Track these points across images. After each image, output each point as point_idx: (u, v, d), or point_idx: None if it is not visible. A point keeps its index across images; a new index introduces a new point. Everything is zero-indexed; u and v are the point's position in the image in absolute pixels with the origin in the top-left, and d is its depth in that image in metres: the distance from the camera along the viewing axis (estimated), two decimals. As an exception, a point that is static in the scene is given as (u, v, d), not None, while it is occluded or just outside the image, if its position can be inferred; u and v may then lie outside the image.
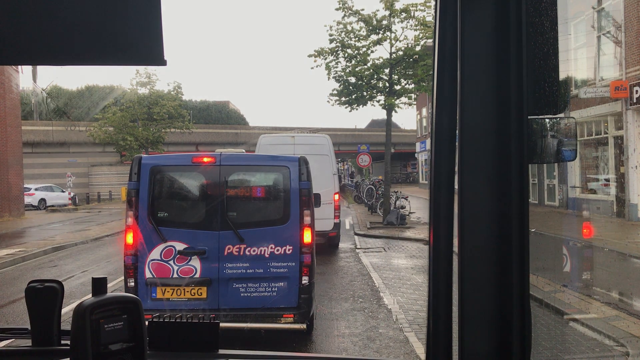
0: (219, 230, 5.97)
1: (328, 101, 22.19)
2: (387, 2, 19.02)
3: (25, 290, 1.56)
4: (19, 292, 9.21)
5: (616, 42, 16.78)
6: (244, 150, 7.59)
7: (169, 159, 6.94)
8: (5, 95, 24.43)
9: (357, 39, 19.85)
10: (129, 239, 5.92)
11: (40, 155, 37.59)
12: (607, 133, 17.64)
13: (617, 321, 6.52)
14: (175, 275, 5.90)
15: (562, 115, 1.08)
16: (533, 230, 1.09)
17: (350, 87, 20.58)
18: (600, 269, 9.22)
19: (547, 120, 1.07)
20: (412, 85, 20.52)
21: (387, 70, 20.17)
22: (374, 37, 19.76)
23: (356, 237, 17.01)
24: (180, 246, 5.93)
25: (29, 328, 1.58)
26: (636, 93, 15.53)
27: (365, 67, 20.02)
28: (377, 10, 19.47)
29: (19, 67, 22.89)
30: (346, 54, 20.03)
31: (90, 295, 1.28)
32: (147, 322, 1.44)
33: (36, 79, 39.78)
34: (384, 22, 19.44)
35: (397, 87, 20.58)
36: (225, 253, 5.94)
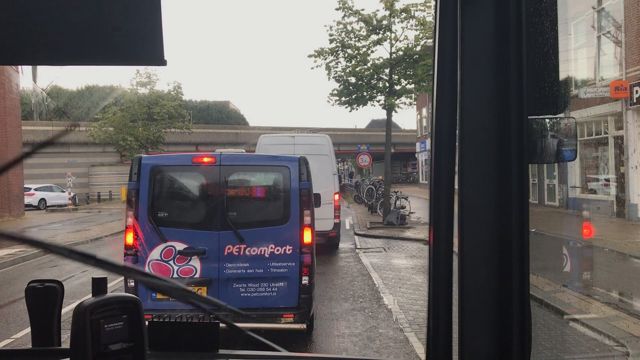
0: (219, 230, 5.97)
1: (328, 101, 22.17)
2: (387, 2, 19.02)
3: (25, 290, 1.56)
4: (19, 292, 9.21)
5: (616, 42, 16.78)
6: (244, 150, 7.59)
7: (169, 159, 6.94)
8: (5, 95, 24.43)
9: (357, 39, 19.85)
10: (129, 239, 5.92)
11: (40, 155, 37.58)
12: (607, 133, 17.64)
13: (617, 321, 6.52)
14: (175, 276, 5.90)
15: (562, 115, 1.08)
16: (533, 230, 1.09)
17: (350, 87, 20.58)
18: (600, 269, 9.22)
19: (547, 120, 1.07)
20: (412, 85, 20.52)
21: (387, 70, 20.17)
22: (374, 37, 19.77)
23: (356, 237, 17.01)
24: (180, 246, 5.93)
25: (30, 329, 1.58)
26: (636, 93, 15.52)
27: (365, 67, 20.02)
28: (377, 10, 19.48)
29: (19, 67, 22.89)
30: (346, 54, 20.03)
31: (90, 295, 1.28)
32: (147, 322, 1.44)
33: (36, 79, 39.80)
34: (384, 22, 19.44)
35: (397, 87, 20.58)
36: (225, 253, 5.94)
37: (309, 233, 6.05)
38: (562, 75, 1.05)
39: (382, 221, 19.56)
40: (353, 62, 20.03)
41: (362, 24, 19.63)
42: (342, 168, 46.03)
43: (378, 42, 19.75)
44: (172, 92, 33.27)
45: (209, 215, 6.06)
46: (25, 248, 14.57)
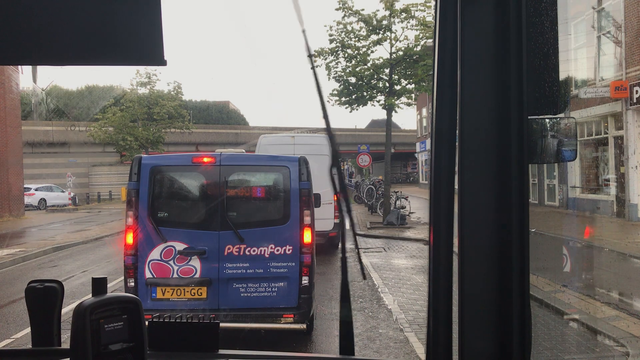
0: (219, 231, 5.97)
1: (328, 101, 22.15)
2: (387, 2, 19.01)
3: (25, 290, 1.56)
4: (19, 292, 9.21)
5: (616, 42, 16.78)
6: (244, 151, 7.59)
7: (169, 159, 6.94)
8: (5, 95, 24.43)
9: (357, 39, 19.85)
10: (129, 239, 5.92)
11: (40, 155, 37.58)
12: (607, 133, 17.64)
13: (617, 321, 6.52)
14: (175, 276, 5.90)
15: (562, 115, 1.08)
16: (533, 230, 1.09)
17: (351, 87, 20.58)
18: (600, 269, 9.23)
19: (547, 120, 1.07)
20: (412, 85, 20.52)
21: (387, 70, 20.17)
22: (374, 37, 19.77)
23: (356, 237, 16.98)
24: (180, 246, 5.93)
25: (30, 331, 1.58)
26: (636, 93, 15.52)
27: (365, 67, 20.02)
28: (377, 10, 19.48)
29: (19, 67, 22.90)
30: (346, 54, 20.03)
31: (90, 295, 1.28)
32: (147, 322, 1.44)
33: (36, 79, 39.79)
34: (384, 22, 19.44)
35: (397, 87, 20.58)
36: (225, 253, 5.94)
37: (309, 233, 6.05)
38: (562, 75, 1.05)
39: (382, 221, 19.56)
40: (353, 62, 20.03)
41: (362, 24, 19.63)
42: (342, 168, 45.94)
43: (378, 42, 19.75)
44: (172, 92, 33.29)
45: (209, 215, 6.06)
46: (25, 248, 14.58)
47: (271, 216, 6.22)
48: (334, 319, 7.70)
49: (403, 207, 20.94)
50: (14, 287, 10.17)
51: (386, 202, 20.36)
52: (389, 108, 20.32)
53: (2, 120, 24.19)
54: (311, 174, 6.27)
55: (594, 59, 18.05)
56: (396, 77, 20.42)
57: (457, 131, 1.04)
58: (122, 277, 6.28)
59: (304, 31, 1.29)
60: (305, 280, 5.97)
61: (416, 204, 24.10)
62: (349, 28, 19.73)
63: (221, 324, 1.61)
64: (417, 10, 19.25)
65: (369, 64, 20.01)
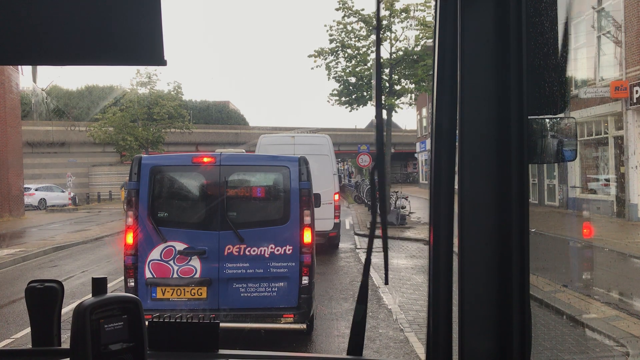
0: (219, 230, 5.97)
1: (328, 101, 22.20)
2: (387, 2, 19.02)
3: (25, 290, 1.56)
4: (19, 292, 9.21)
5: (616, 42, 16.78)
6: (244, 151, 7.59)
7: (169, 159, 6.94)
8: (5, 95, 24.43)
9: (357, 39, 19.86)
10: (129, 239, 5.92)
11: (40, 155, 37.58)
12: (607, 133, 17.64)
13: (617, 321, 6.52)
14: (175, 276, 5.90)
15: (562, 115, 1.08)
16: (533, 230, 1.09)
17: (350, 87, 20.59)
18: (600, 269, 9.22)
19: (547, 120, 1.07)
20: (412, 85, 20.53)
21: (387, 70, 20.18)
22: (374, 37, 19.77)
23: (356, 237, 17.00)
24: (180, 246, 5.93)
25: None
26: (636, 93, 15.52)
27: (365, 67, 20.03)
28: (377, 10, 19.46)
29: (19, 67, 22.90)
30: (346, 54, 20.05)
31: (90, 295, 1.28)
32: (147, 322, 1.44)
33: (36, 79, 39.73)
34: (384, 22, 19.45)
35: (397, 87, 20.59)
36: (225, 253, 5.94)
37: (309, 233, 6.05)
38: (562, 75, 1.05)
39: (382, 221, 19.54)
40: (353, 62, 20.04)
41: (362, 24, 19.64)
42: (342, 168, 46.03)
43: (378, 42, 19.74)
44: (172, 92, 33.28)
45: (209, 215, 6.05)
46: (25, 248, 14.58)
47: (271, 216, 6.22)
48: (333, 319, 7.70)
49: (403, 207, 20.94)
50: (14, 287, 10.17)
51: (386, 202, 20.36)
52: (389, 108, 20.33)
53: (2, 120, 24.20)
54: (311, 174, 6.27)
55: (594, 59, 18.05)
56: (396, 77, 20.43)
57: (457, 131, 1.04)
58: (122, 277, 6.28)
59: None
60: (305, 280, 5.97)
61: (416, 204, 24.10)
62: (349, 28, 19.74)
63: (221, 324, 1.61)
64: (417, 10, 19.28)
65: (369, 64, 20.01)
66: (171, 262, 5.91)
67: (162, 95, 32.57)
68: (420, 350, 6.27)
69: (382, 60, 20.09)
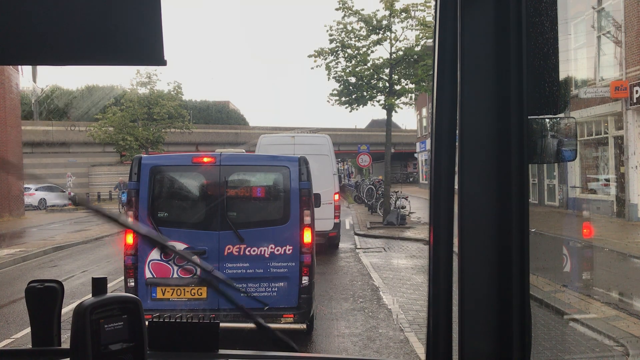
0: (219, 231, 5.97)
1: (328, 101, 22.16)
2: (387, 2, 19.02)
3: (25, 290, 1.56)
4: (19, 292, 9.21)
5: (616, 42, 16.77)
6: (244, 150, 7.59)
7: (169, 159, 6.94)
8: (5, 95, 24.43)
9: (357, 39, 19.85)
10: (129, 239, 5.92)
11: (40, 155, 37.58)
12: (607, 133, 17.64)
13: (617, 321, 6.52)
14: (175, 275, 5.90)
15: (562, 115, 1.08)
16: (533, 230, 1.09)
17: (350, 87, 20.57)
18: (600, 269, 9.22)
19: (547, 120, 1.07)
20: (412, 85, 20.52)
21: (387, 70, 20.17)
22: (374, 37, 19.78)
23: (356, 237, 17.01)
24: (180, 246, 5.92)
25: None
26: (636, 93, 15.52)
27: (365, 67, 20.02)
28: (377, 10, 19.48)
29: (19, 67, 22.90)
30: (346, 54, 20.03)
31: (90, 295, 1.28)
32: (147, 322, 1.44)
33: (36, 79, 39.77)
34: (384, 22, 19.44)
35: (397, 87, 20.59)
36: (225, 253, 5.94)
37: (309, 233, 6.05)
38: (562, 75, 1.05)
39: (382, 221, 19.56)
40: (353, 62, 20.03)
41: (362, 24, 19.63)
42: (342, 168, 46.02)
43: (378, 42, 19.75)
44: (172, 92, 33.26)
45: (209, 215, 6.06)
46: (25, 248, 14.58)
47: (271, 216, 6.22)
48: (333, 319, 7.70)
49: (403, 207, 20.94)
50: (14, 287, 10.17)
51: (386, 202, 20.36)
52: (389, 108, 20.33)
53: (2, 120, 24.20)
54: (311, 174, 6.26)
55: (594, 59, 18.05)
56: (396, 77, 20.42)
57: (457, 131, 1.04)
58: (122, 277, 6.28)
59: None
60: (305, 280, 5.97)
61: (416, 204, 24.10)
62: (349, 28, 19.73)
63: (221, 324, 1.62)
64: (417, 10, 19.26)
65: (369, 64, 20.01)
66: (171, 262, 5.91)
67: (162, 95, 32.56)
68: (420, 350, 6.27)
69: (382, 60, 20.11)
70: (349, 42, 19.83)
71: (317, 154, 12.57)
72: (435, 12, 1.12)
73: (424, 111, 41.93)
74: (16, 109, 26.13)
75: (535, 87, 1.02)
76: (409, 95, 21.54)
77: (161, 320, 1.57)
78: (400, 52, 19.89)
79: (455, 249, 1.07)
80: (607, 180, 17.83)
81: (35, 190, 30.93)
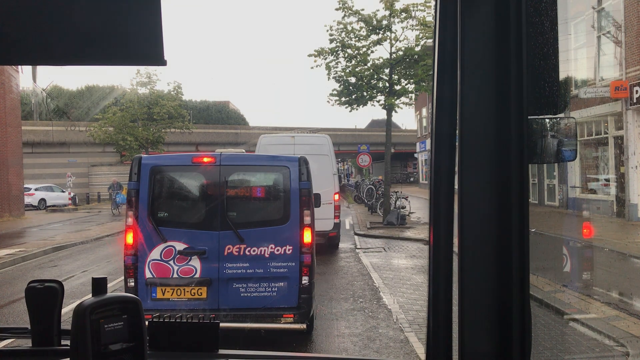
0: (219, 230, 5.97)
1: (328, 101, 22.17)
2: (387, 2, 19.01)
3: (25, 290, 1.56)
4: (19, 292, 9.21)
5: (616, 42, 16.77)
6: (244, 150, 7.59)
7: (169, 159, 6.94)
8: (5, 95, 24.43)
9: (357, 39, 19.85)
10: (129, 239, 5.92)
11: (40, 155, 37.58)
12: (607, 133, 17.64)
13: (617, 321, 6.52)
14: (175, 275, 5.90)
15: (562, 115, 1.08)
16: (533, 230, 1.09)
17: (350, 87, 20.57)
18: (600, 269, 9.22)
19: (547, 120, 1.07)
20: (412, 85, 20.52)
21: (387, 70, 20.17)
22: (374, 37, 19.77)
23: (356, 237, 17.01)
24: (180, 246, 5.93)
25: (29, 327, 1.58)
26: (636, 93, 15.52)
27: (365, 67, 20.02)
28: (377, 10, 19.48)
29: (19, 67, 22.90)
30: (346, 54, 20.03)
31: (90, 295, 1.28)
32: (147, 322, 1.44)
33: (36, 79, 39.76)
34: (384, 22, 19.44)
35: (397, 87, 20.58)
36: (225, 253, 5.94)
37: (309, 233, 6.05)
38: (562, 75, 1.05)
39: (382, 221, 19.56)
40: (353, 62, 20.03)
41: (362, 24, 19.63)
42: (342, 168, 46.03)
43: (378, 42, 19.75)
44: (172, 92, 33.25)
45: (209, 215, 6.05)
46: (25, 248, 14.58)
47: (271, 216, 6.22)
48: (333, 319, 7.70)
49: (403, 207, 20.94)
50: (14, 287, 10.17)
51: (386, 202, 20.36)
52: (389, 108, 20.33)
53: (2, 120, 24.20)
54: (311, 174, 6.27)
55: (594, 59, 18.05)
56: (396, 77, 20.42)
57: (457, 131, 1.04)
58: (122, 277, 6.28)
59: None
60: (305, 280, 5.97)
61: (416, 204, 24.10)
62: (349, 28, 19.73)
63: (221, 324, 1.61)
64: (417, 10, 19.26)
65: (369, 64, 20.01)
66: (171, 262, 5.91)
67: (162, 95, 32.54)
68: (420, 350, 6.27)
69: (382, 60, 20.12)
70: (349, 42, 19.83)
71: (317, 154, 12.57)
72: (435, 12, 1.12)
73: (424, 111, 41.93)
74: (16, 109, 26.13)
75: (535, 87, 1.02)
76: (409, 95, 21.53)
77: (161, 320, 1.57)
78: (400, 52, 19.89)
79: (455, 249, 1.07)
80: (607, 180, 17.83)
81: (35, 190, 30.94)
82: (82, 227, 20.49)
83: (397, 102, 20.75)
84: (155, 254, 5.91)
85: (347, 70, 20.21)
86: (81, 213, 28.16)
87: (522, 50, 0.99)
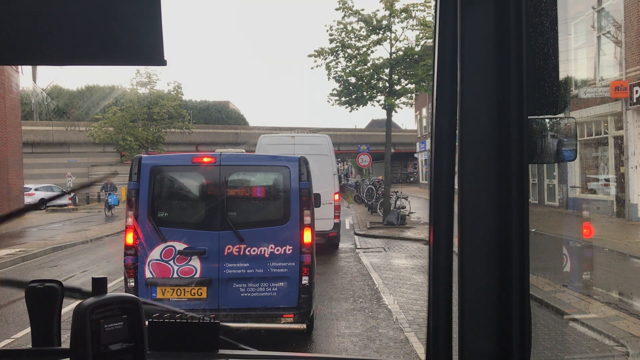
0: (219, 230, 5.98)
1: (328, 101, 22.19)
2: (387, 2, 19.02)
3: (25, 290, 1.56)
4: (19, 292, 9.19)
5: (616, 42, 16.77)
6: (244, 150, 7.59)
7: (169, 159, 6.94)
8: (5, 95, 24.43)
9: (357, 39, 19.85)
10: (129, 239, 5.92)
11: (40, 155, 37.58)
12: (607, 133, 17.64)
13: (617, 321, 6.52)
14: (175, 275, 5.90)
15: (562, 115, 1.08)
16: (533, 230, 1.09)
17: (350, 87, 20.58)
18: (600, 269, 9.23)
19: (547, 120, 1.07)
20: (412, 85, 20.52)
21: (387, 70, 20.17)
22: (374, 37, 19.77)
23: (356, 237, 17.01)
24: (180, 246, 5.93)
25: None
26: (636, 93, 15.52)
27: (365, 67, 20.02)
28: (377, 10, 19.48)
29: (19, 67, 22.90)
30: (346, 54, 20.03)
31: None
32: (147, 322, 1.44)
33: (36, 79, 39.78)
34: (384, 22, 19.44)
35: (397, 87, 20.59)
36: (225, 253, 5.94)
37: (309, 233, 6.05)
38: (562, 75, 1.05)
39: (382, 221, 19.56)
40: (353, 62, 20.03)
41: (362, 24, 19.63)
42: (342, 168, 46.01)
43: (378, 42, 19.75)
44: (172, 92, 33.25)
45: (209, 215, 6.06)
46: (25, 248, 14.58)
47: (271, 216, 6.22)
48: (334, 319, 7.70)
49: (403, 207, 20.94)
50: (14, 287, 10.15)
51: (386, 202, 20.36)
52: (389, 108, 20.33)
53: (2, 120, 24.20)
54: (311, 174, 6.27)
55: (594, 59, 18.05)
56: (396, 77, 20.42)
57: (457, 131, 1.04)
58: (122, 277, 6.28)
59: None
60: (305, 280, 5.97)
61: (416, 204, 24.10)
62: (349, 28, 19.73)
63: (221, 324, 1.61)
64: (417, 10, 19.27)
65: (369, 64, 20.01)
66: (171, 262, 5.91)
67: (162, 95, 32.54)
68: (420, 350, 6.27)
69: (382, 60, 20.11)
70: (349, 42, 19.83)
71: (317, 154, 12.58)
72: (435, 12, 1.12)
73: (424, 111, 41.93)
74: (16, 109, 26.13)
75: (535, 87, 1.02)
76: (409, 95, 21.53)
77: (161, 320, 1.57)
78: (400, 52, 19.89)
79: (455, 249, 1.07)
80: (607, 180, 17.83)
81: (35, 190, 30.94)
82: (82, 227, 20.49)
83: (397, 102, 20.75)
84: (155, 254, 5.91)
85: (347, 70, 20.22)
86: (81, 213, 28.16)
87: (522, 50, 0.99)
